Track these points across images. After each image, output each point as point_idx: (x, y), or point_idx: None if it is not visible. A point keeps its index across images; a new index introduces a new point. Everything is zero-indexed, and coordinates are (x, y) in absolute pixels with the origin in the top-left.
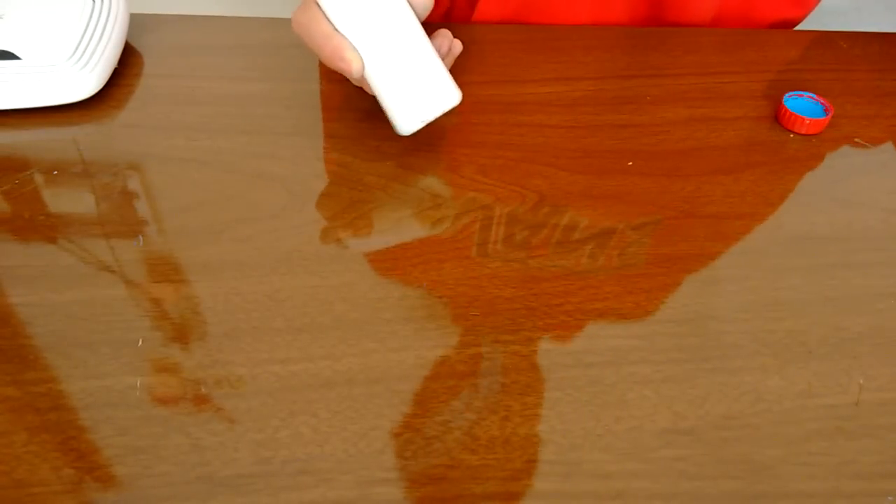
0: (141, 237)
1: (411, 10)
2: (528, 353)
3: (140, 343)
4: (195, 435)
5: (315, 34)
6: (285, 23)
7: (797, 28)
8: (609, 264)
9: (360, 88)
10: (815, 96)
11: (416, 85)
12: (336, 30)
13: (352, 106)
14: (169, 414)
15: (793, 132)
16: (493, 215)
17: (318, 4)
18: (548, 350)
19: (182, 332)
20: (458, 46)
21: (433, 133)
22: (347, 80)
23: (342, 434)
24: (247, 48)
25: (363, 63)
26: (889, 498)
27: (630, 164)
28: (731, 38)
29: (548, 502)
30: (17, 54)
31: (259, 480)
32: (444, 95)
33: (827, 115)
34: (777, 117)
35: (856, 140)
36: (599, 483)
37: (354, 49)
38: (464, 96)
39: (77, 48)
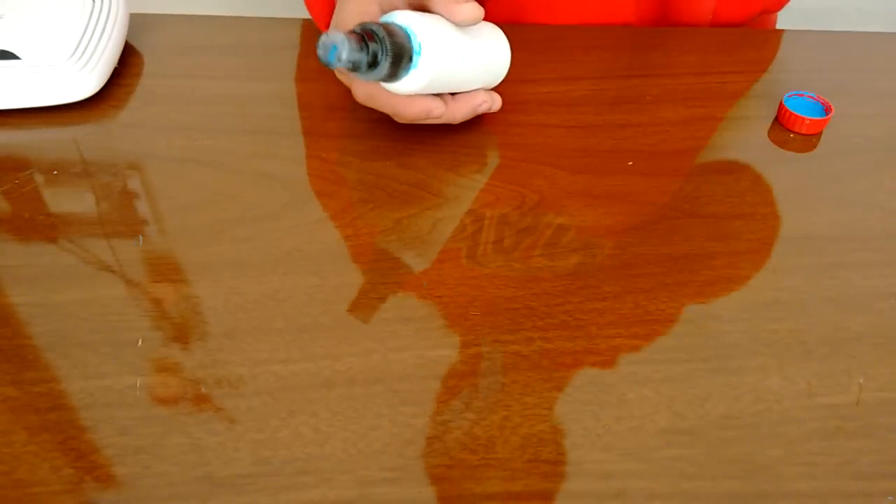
0: (141, 237)
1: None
2: (528, 353)
3: (140, 343)
4: (195, 435)
5: (388, 104)
6: (285, 23)
7: (788, 28)
8: (609, 264)
9: None
10: (815, 96)
11: (493, 65)
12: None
13: (352, 106)
14: (169, 414)
15: (793, 132)
16: (494, 215)
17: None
18: (548, 350)
19: (182, 332)
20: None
21: (433, 133)
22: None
23: (342, 434)
24: (247, 48)
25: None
26: (889, 498)
27: (630, 164)
28: (731, 38)
29: (548, 502)
30: (17, 54)
31: (259, 480)
32: (505, 49)
33: (827, 115)
34: (777, 117)
35: (856, 140)
36: (599, 483)
37: (433, 97)
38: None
39: (77, 48)
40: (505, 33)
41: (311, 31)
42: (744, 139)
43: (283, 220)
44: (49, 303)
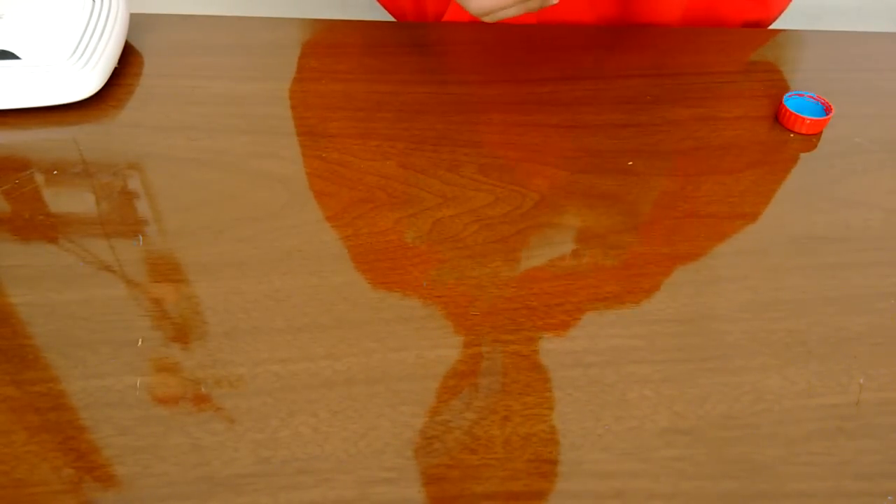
0: (141, 237)
1: None
2: (528, 353)
3: (140, 343)
4: (195, 435)
5: None
6: (285, 23)
7: (788, 28)
8: (608, 264)
9: (362, 87)
10: (815, 96)
11: None
12: None
13: (352, 106)
14: (169, 414)
15: (793, 132)
16: (494, 215)
17: None
18: (548, 350)
19: (182, 332)
20: None
21: (433, 133)
22: (348, 79)
23: (342, 434)
24: (247, 48)
25: None
26: (889, 498)
27: (630, 163)
28: (731, 38)
29: (548, 502)
30: (17, 54)
31: (259, 480)
32: None
33: (827, 115)
34: (777, 117)
35: (856, 140)
36: (599, 483)
37: None
38: (464, 96)
39: (77, 48)
40: (506, 33)
41: (311, 31)
42: (744, 139)
43: (283, 220)
44: (49, 303)
